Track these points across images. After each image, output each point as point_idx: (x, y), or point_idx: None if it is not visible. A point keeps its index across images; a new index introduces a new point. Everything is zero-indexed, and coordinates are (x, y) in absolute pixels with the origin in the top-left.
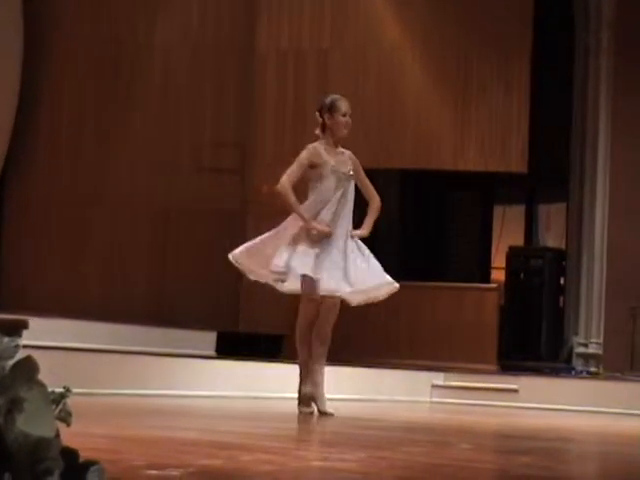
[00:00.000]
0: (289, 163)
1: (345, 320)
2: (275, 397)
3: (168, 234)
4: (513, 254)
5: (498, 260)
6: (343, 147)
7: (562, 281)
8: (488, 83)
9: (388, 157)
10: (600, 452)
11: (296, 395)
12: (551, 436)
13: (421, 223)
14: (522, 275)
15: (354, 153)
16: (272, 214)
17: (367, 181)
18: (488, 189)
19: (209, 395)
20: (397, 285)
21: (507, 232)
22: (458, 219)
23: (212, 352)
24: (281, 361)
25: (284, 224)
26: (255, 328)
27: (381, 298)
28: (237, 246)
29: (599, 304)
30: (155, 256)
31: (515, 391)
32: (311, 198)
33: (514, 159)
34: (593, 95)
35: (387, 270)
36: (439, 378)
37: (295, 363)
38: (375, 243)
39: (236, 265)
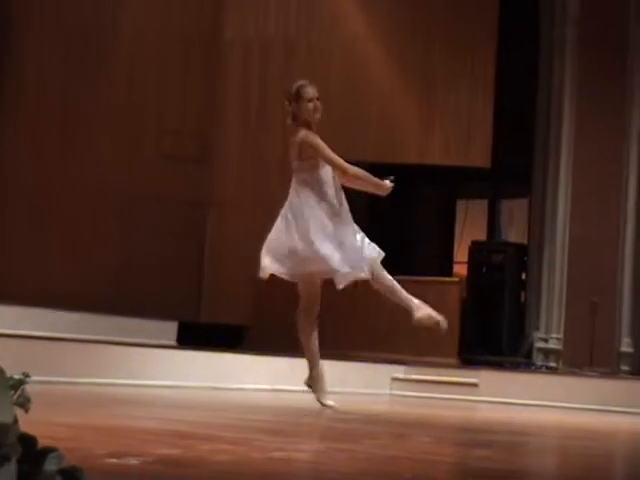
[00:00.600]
0: (253, 152)
1: None
2: (236, 388)
3: (130, 222)
4: (475, 248)
5: (460, 254)
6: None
7: (523, 276)
8: (453, 78)
9: (352, 150)
10: (558, 446)
11: (255, 386)
12: (510, 430)
13: (385, 216)
14: (484, 269)
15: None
16: (234, 204)
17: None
18: (452, 184)
19: (170, 385)
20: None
21: (470, 227)
22: (421, 213)
23: (173, 342)
24: (242, 352)
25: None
26: (217, 318)
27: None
28: (199, 236)
29: (560, 299)
30: (117, 244)
31: (475, 385)
32: (314, 188)
33: (478, 154)
34: (557, 91)
35: None
36: (399, 371)
37: (255, 354)
38: None
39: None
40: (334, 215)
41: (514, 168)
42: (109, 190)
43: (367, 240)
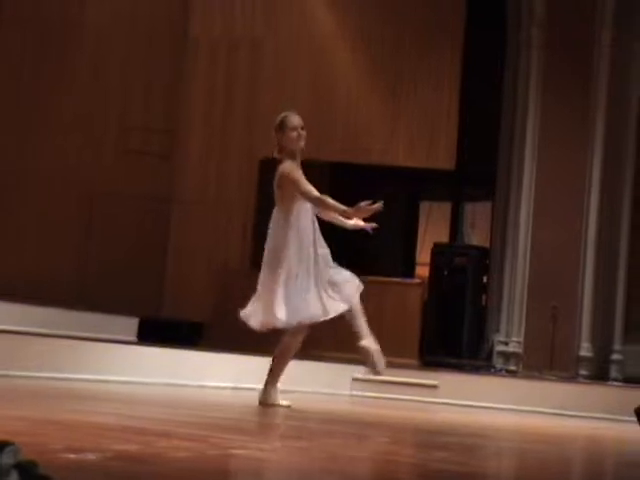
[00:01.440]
0: (217, 150)
1: None
2: (195, 385)
3: (93, 216)
4: (438, 251)
5: (423, 256)
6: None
7: (485, 279)
8: (419, 79)
9: (318, 149)
10: (516, 449)
11: (215, 383)
12: (469, 432)
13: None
14: (446, 272)
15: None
16: (197, 201)
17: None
18: (415, 185)
19: (129, 381)
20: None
21: (433, 229)
22: (385, 214)
23: (134, 338)
24: (203, 349)
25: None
26: (178, 315)
27: None
28: (162, 232)
29: (521, 303)
30: (80, 238)
31: (435, 387)
32: (293, 227)
33: (442, 156)
34: (523, 94)
35: None
36: (360, 371)
37: (216, 351)
38: None
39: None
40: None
41: (478, 171)
42: (72, 185)
43: (346, 274)
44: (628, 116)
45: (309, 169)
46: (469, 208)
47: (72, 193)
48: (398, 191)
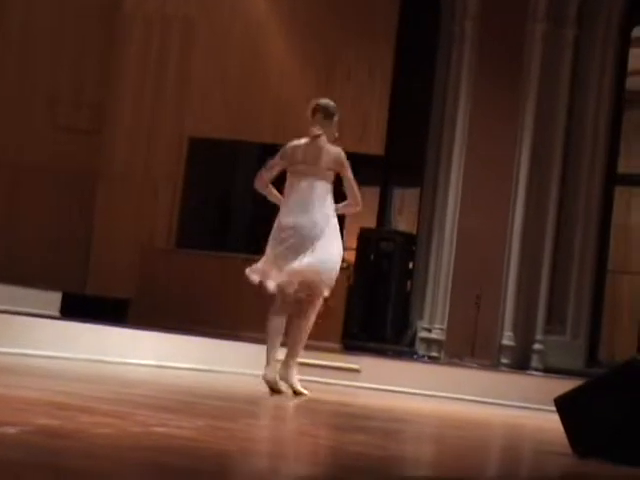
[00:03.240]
0: (146, 127)
1: (193, 292)
2: (119, 362)
3: (18, 191)
4: (364, 235)
5: (349, 240)
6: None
7: (411, 265)
8: (352, 65)
9: (247, 130)
10: (435, 434)
11: (139, 361)
12: (389, 417)
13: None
14: (372, 257)
15: (215, 124)
16: (124, 177)
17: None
18: None
19: (52, 356)
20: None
21: (360, 213)
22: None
23: (57, 313)
24: (127, 326)
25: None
26: (102, 291)
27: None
28: (88, 208)
29: (445, 290)
30: (4, 213)
31: (357, 371)
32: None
33: (372, 141)
34: (454, 83)
35: (239, 244)
36: (282, 353)
37: (140, 329)
38: (229, 215)
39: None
40: None
41: (407, 157)
42: None
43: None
44: (558, 109)
45: (238, 149)
46: (397, 194)
47: None
48: None
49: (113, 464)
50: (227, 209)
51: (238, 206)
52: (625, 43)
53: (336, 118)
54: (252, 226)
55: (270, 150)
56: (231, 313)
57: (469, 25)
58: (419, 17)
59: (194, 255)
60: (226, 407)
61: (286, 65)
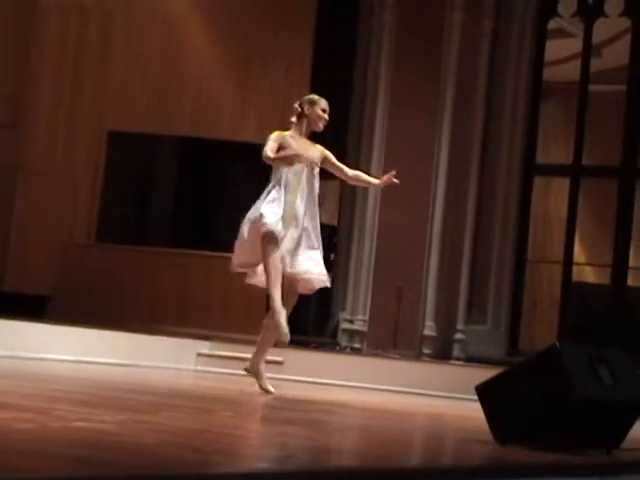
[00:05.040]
0: (64, 120)
1: (113, 286)
2: (37, 358)
3: None
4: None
5: None
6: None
7: (332, 257)
8: (270, 56)
9: (167, 123)
10: (359, 425)
11: (58, 356)
12: (313, 408)
13: (197, 192)
14: None
15: (135, 118)
16: (43, 172)
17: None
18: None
19: None
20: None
21: None
22: (235, 190)
23: None
24: (46, 322)
25: None
26: (21, 287)
27: None
28: (6, 203)
29: (367, 282)
30: None
31: (280, 363)
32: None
33: None
34: (373, 76)
35: (160, 237)
36: (205, 347)
37: (59, 324)
38: (149, 209)
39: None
40: None
41: (327, 148)
42: None
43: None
44: (476, 100)
45: (157, 143)
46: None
47: None
48: (248, 167)
49: (33, 459)
50: (147, 203)
51: (159, 200)
52: (542, 35)
53: (292, 118)
54: (173, 220)
55: (189, 143)
56: (151, 307)
57: (388, 15)
58: (337, 9)
59: (114, 250)
60: (148, 401)
61: (206, 57)
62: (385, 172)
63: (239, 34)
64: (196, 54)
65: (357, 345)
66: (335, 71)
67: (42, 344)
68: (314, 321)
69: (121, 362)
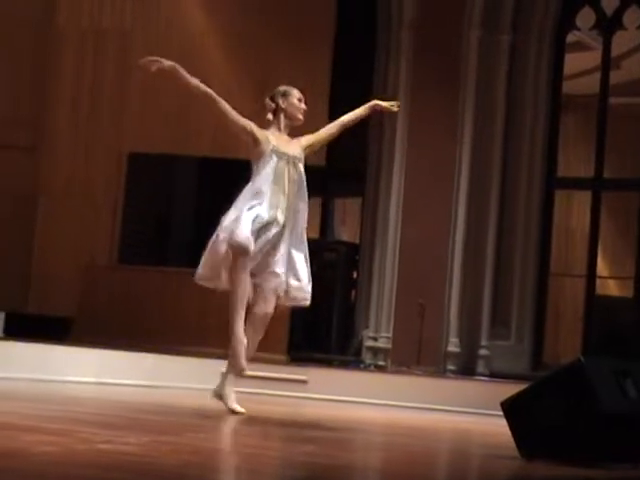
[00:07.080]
0: (84, 143)
1: (135, 307)
2: (61, 380)
3: None
4: (308, 246)
5: None
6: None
7: (355, 275)
8: (289, 80)
9: (186, 144)
10: (384, 442)
11: (80, 378)
12: (337, 426)
13: (217, 211)
14: (315, 268)
15: (154, 139)
16: (64, 195)
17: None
18: None
19: None
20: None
21: None
22: None
23: (0, 332)
24: (67, 344)
25: None
26: (44, 310)
27: None
28: (28, 226)
29: (390, 299)
30: None
31: (304, 382)
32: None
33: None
34: (392, 93)
35: (181, 257)
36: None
37: (81, 346)
38: (170, 230)
39: None
40: None
41: (348, 167)
42: None
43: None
44: (495, 115)
45: (176, 164)
46: (339, 204)
47: None
48: None
49: None
50: (168, 223)
51: (179, 220)
52: (560, 48)
53: (268, 115)
54: (193, 240)
55: (209, 163)
56: (173, 327)
57: (405, 33)
58: (356, 27)
59: (136, 271)
60: (171, 422)
61: (224, 78)
62: (407, 188)
63: (257, 54)
64: (214, 74)
65: (381, 362)
66: (354, 89)
67: (64, 366)
68: (337, 339)
69: (144, 383)
